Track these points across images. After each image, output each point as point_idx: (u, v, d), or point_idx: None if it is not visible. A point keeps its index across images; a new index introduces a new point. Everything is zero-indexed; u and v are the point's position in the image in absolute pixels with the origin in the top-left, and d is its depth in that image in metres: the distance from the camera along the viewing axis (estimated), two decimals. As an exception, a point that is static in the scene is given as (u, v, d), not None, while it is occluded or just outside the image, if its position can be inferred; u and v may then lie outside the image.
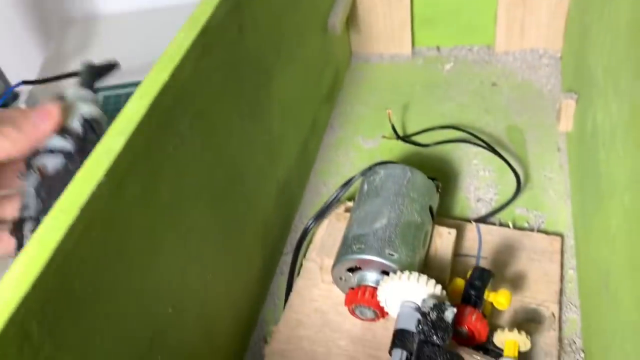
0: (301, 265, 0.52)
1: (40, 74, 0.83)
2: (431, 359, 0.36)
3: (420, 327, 0.37)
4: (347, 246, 0.45)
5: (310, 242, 0.54)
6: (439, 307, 0.38)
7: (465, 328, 0.40)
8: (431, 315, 0.37)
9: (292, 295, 0.49)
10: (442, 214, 0.55)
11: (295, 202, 0.58)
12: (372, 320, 0.45)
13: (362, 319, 0.45)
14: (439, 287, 0.40)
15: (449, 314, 0.37)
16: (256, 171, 0.47)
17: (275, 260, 0.54)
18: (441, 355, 0.36)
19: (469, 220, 0.53)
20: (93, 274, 0.27)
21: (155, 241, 0.32)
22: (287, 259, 0.54)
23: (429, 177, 0.51)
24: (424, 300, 0.39)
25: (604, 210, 0.40)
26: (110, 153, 0.28)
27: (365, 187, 0.50)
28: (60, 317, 0.25)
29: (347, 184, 0.51)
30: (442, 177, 0.59)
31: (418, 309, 0.39)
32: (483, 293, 0.40)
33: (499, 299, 0.41)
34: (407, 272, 0.41)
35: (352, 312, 0.45)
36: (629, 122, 0.35)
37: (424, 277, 0.40)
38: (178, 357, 0.36)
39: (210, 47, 0.36)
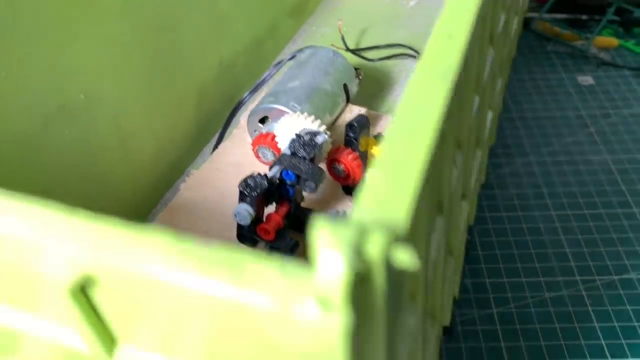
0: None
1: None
2: (295, 166, 0.42)
3: (292, 144, 0.43)
4: (260, 102, 0.51)
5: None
6: (314, 132, 0.44)
7: (341, 165, 0.46)
8: (304, 137, 0.43)
9: (217, 150, 0.56)
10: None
11: (241, 85, 0.64)
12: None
13: (265, 163, 0.51)
14: (324, 127, 0.46)
15: (320, 137, 0.43)
16: (194, 35, 0.54)
17: (211, 127, 0.60)
18: (304, 165, 0.42)
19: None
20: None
21: (70, 26, 0.39)
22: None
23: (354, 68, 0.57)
24: (303, 129, 0.45)
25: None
26: None
27: (292, 63, 0.56)
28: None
29: (280, 63, 0.57)
30: (379, 87, 0.65)
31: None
32: (359, 135, 0.45)
33: (378, 147, 0.47)
34: (298, 112, 0.47)
35: (257, 155, 0.51)
36: None
37: (312, 116, 0.46)
38: (85, 142, 0.43)
39: None
